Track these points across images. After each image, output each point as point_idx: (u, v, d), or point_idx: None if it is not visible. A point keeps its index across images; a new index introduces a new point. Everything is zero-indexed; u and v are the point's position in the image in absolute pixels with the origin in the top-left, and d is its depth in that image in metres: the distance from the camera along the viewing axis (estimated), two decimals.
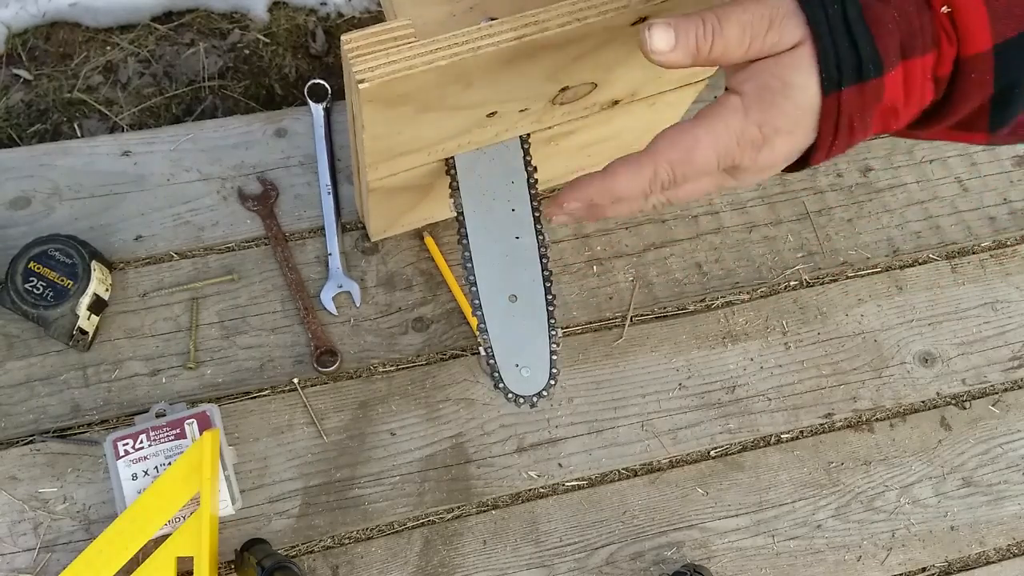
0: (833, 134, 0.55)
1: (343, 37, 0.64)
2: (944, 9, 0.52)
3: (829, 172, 1.10)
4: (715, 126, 0.56)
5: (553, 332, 0.84)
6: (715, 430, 0.97)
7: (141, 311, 0.97)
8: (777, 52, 0.54)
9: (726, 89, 0.57)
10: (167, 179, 1.02)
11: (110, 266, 0.97)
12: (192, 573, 0.83)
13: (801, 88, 0.54)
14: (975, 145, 0.75)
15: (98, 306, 0.93)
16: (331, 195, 1.02)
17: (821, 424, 0.99)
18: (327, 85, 1.07)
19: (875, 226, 1.08)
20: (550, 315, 0.84)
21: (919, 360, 1.02)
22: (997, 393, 1.02)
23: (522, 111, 0.79)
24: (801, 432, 0.98)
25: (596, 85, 0.79)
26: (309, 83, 1.07)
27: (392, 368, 0.97)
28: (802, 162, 0.58)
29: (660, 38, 0.55)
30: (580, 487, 0.95)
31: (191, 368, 0.95)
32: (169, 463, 0.86)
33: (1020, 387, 1.02)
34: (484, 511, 0.93)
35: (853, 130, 0.54)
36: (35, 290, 0.90)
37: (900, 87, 0.53)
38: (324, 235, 1.01)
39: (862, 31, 0.52)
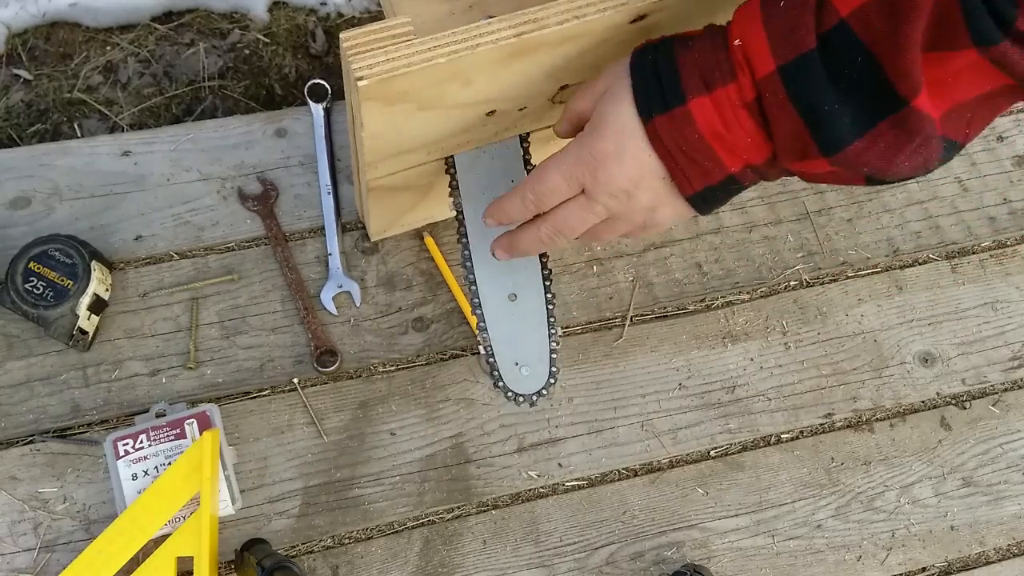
0: (673, 159, 0.66)
1: (342, 35, 0.64)
2: (736, 42, 0.62)
3: None
4: (560, 155, 0.71)
5: (553, 331, 0.84)
6: (715, 430, 0.97)
7: (141, 311, 0.97)
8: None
9: None
10: (167, 179, 1.03)
11: (110, 266, 0.97)
12: (192, 573, 0.83)
13: (615, 115, 0.67)
14: (853, 186, 0.88)
15: (98, 306, 0.93)
16: (331, 195, 1.02)
17: (821, 424, 0.99)
18: (327, 85, 1.07)
19: (875, 226, 1.08)
20: (550, 314, 0.84)
21: (919, 360, 1.02)
22: (997, 393, 1.02)
23: (521, 110, 0.79)
24: (801, 432, 0.98)
25: None
26: (309, 83, 1.07)
27: (392, 368, 0.97)
28: (695, 200, 0.70)
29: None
30: (580, 487, 0.94)
31: (191, 368, 0.95)
32: (169, 463, 0.86)
33: (1020, 387, 1.02)
34: (484, 511, 0.93)
35: (692, 158, 0.66)
36: (35, 290, 0.90)
37: (713, 114, 0.64)
38: (324, 235, 1.01)
39: (668, 70, 0.65)
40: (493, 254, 0.81)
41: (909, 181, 1.08)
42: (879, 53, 0.57)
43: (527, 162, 0.86)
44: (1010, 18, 0.53)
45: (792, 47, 0.60)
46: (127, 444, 0.86)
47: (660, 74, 0.65)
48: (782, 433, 0.98)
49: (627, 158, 0.67)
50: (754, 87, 0.62)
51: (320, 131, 1.05)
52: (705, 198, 0.70)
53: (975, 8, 0.53)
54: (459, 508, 0.93)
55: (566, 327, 1.00)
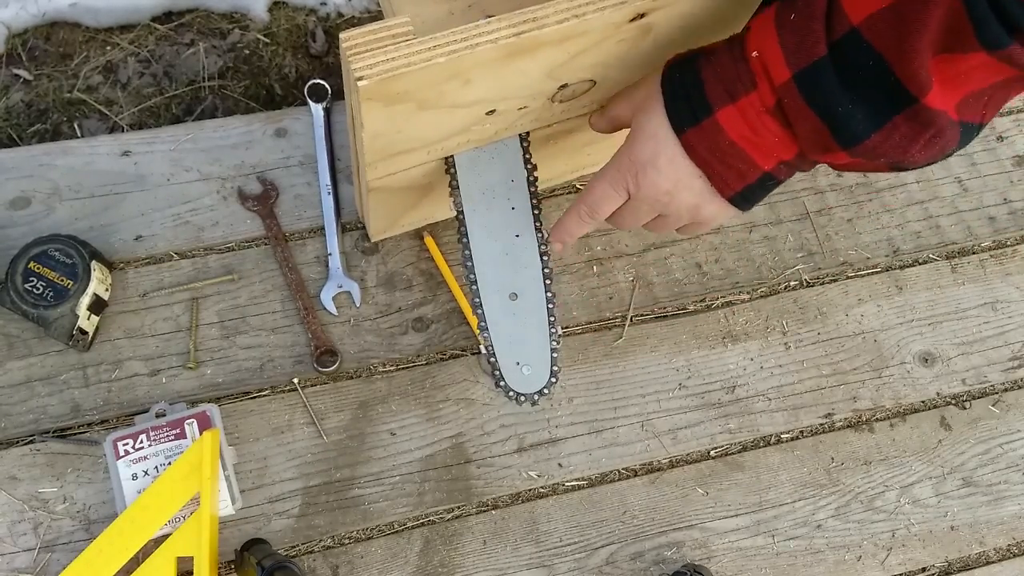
0: (710, 166, 0.72)
1: (342, 35, 0.64)
2: (754, 54, 0.67)
3: (829, 172, 1.10)
4: (604, 167, 0.78)
5: (553, 330, 0.84)
6: (715, 430, 0.97)
7: (141, 311, 0.97)
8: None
9: None
10: (167, 179, 1.03)
11: (110, 266, 0.97)
12: (192, 573, 0.83)
13: (651, 126, 0.73)
14: (879, 173, 0.94)
15: (98, 306, 0.93)
16: (331, 195, 1.02)
17: (821, 424, 0.99)
18: (327, 85, 1.07)
19: (875, 226, 1.08)
20: (550, 313, 0.84)
21: (919, 360, 1.02)
22: (997, 393, 1.02)
23: (521, 109, 0.79)
24: (801, 432, 0.98)
25: (595, 83, 0.80)
26: (309, 83, 1.07)
27: (392, 368, 0.97)
28: (735, 200, 0.74)
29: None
30: (580, 487, 0.94)
31: (191, 368, 0.95)
32: (169, 463, 0.86)
33: (1020, 387, 1.02)
34: (484, 511, 0.93)
35: (727, 163, 0.71)
36: (35, 290, 0.90)
37: (740, 121, 0.68)
38: (324, 235, 1.01)
39: (694, 85, 0.70)
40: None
41: (910, 181, 1.10)
42: (890, 58, 0.60)
43: (527, 161, 0.86)
44: (1021, 23, 0.55)
45: (805, 55, 0.64)
46: (127, 444, 0.86)
47: (688, 89, 0.70)
48: (782, 433, 0.98)
49: (663, 163, 0.73)
50: (774, 93, 0.66)
51: (320, 131, 1.05)
52: (745, 197, 0.74)
53: (984, 17, 0.56)
54: (459, 508, 0.93)
55: (566, 327, 1.00)
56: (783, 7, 0.65)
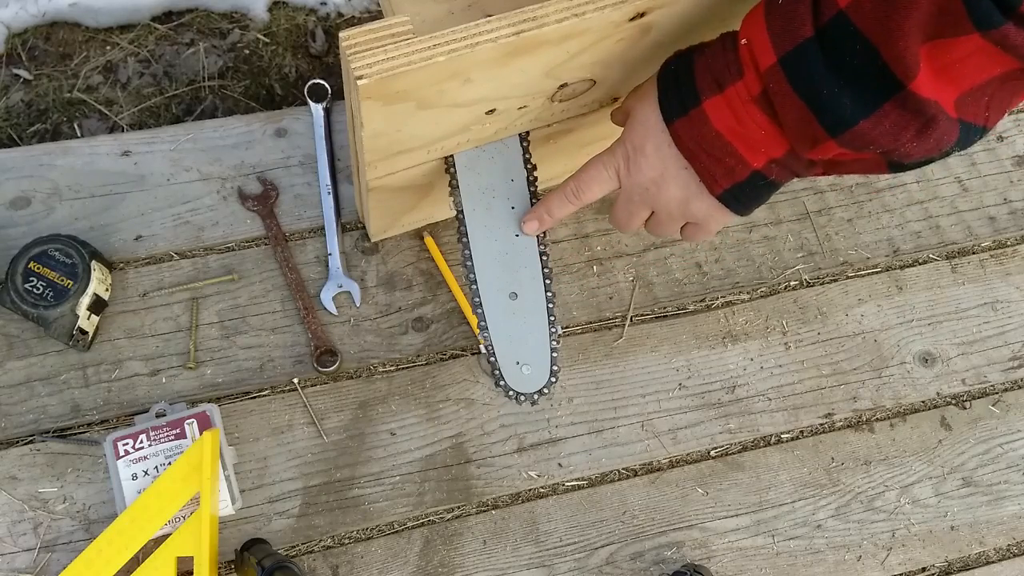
0: (698, 159, 0.71)
1: (341, 34, 0.64)
2: (743, 42, 0.67)
3: None
4: (603, 151, 0.79)
5: (553, 329, 0.84)
6: (715, 430, 0.97)
7: (141, 311, 0.97)
8: None
9: None
10: (167, 179, 1.03)
11: (110, 266, 0.97)
12: (192, 573, 0.83)
13: (643, 114, 0.74)
14: (878, 174, 0.89)
15: (98, 306, 0.93)
16: (331, 195, 1.02)
17: (821, 424, 0.99)
18: (327, 85, 1.07)
19: (875, 226, 1.08)
20: (550, 312, 0.84)
21: (919, 360, 1.02)
22: (997, 393, 1.02)
23: (521, 108, 0.79)
24: (801, 432, 0.98)
25: (595, 82, 0.80)
26: (309, 83, 1.07)
27: (392, 368, 0.97)
28: (725, 198, 0.74)
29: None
30: (580, 487, 0.94)
31: (191, 368, 0.95)
32: (169, 463, 0.86)
33: (1020, 387, 1.02)
34: (484, 511, 0.93)
35: (715, 156, 0.70)
36: (35, 290, 0.90)
37: (726, 111, 0.68)
38: (324, 235, 1.01)
39: (686, 75, 0.70)
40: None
41: (910, 181, 1.09)
42: (875, 40, 0.60)
43: (527, 161, 0.86)
44: (1014, 2, 0.54)
45: (790, 38, 0.63)
46: (127, 444, 0.86)
47: (680, 80, 0.71)
48: (782, 433, 0.98)
49: (651, 150, 0.74)
50: (760, 80, 0.66)
51: (320, 131, 1.05)
52: (736, 196, 0.73)
53: None
54: (459, 508, 0.93)
55: (566, 327, 1.00)
56: None
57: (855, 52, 0.61)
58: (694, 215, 0.77)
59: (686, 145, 0.71)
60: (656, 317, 1.02)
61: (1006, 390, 1.02)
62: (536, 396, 0.83)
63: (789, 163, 0.70)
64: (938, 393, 1.01)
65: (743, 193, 0.73)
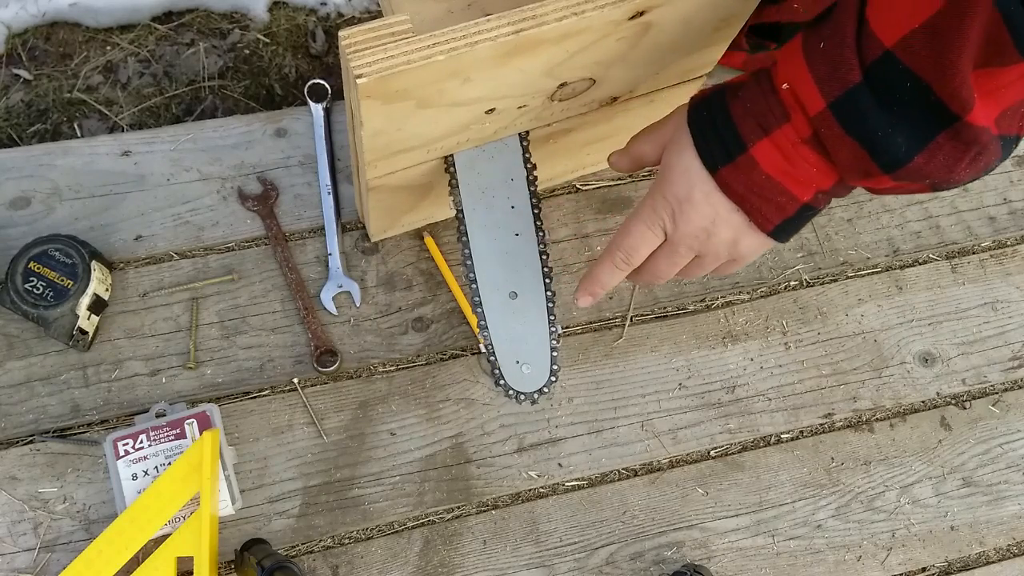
0: (747, 202, 0.70)
1: (341, 33, 0.64)
2: (784, 86, 0.66)
3: None
4: (637, 209, 0.75)
5: (553, 329, 0.84)
6: (715, 430, 0.97)
7: (141, 311, 0.97)
8: None
9: None
10: (167, 179, 1.03)
11: (110, 266, 0.97)
12: (192, 573, 0.83)
13: (682, 163, 0.71)
14: (920, 194, 0.88)
15: (98, 306, 0.93)
16: (331, 195, 1.02)
17: (821, 424, 0.99)
18: (327, 85, 1.07)
19: (875, 226, 1.08)
20: (550, 312, 0.84)
21: (919, 360, 1.02)
22: (997, 393, 1.02)
23: (520, 108, 0.79)
24: (801, 432, 0.98)
25: (594, 81, 0.79)
26: (309, 83, 1.07)
27: (392, 368, 0.97)
28: (775, 233, 0.72)
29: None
30: (580, 487, 0.94)
31: (191, 368, 0.95)
32: (169, 463, 0.86)
33: (1020, 387, 1.02)
34: (484, 511, 0.93)
35: (765, 197, 0.69)
36: (35, 290, 0.90)
37: (776, 154, 0.67)
38: (324, 235, 1.01)
39: (724, 122, 0.68)
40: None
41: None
42: (928, 78, 0.59)
43: (527, 160, 0.86)
44: None
45: (839, 84, 0.62)
46: (127, 444, 0.86)
47: (718, 127, 0.69)
48: (782, 433, 0.98)
49: (700, 199, 0.71)
50: (809, 124, 0.65)
51: (320, 131, 1.05)
52: (784, 229, 0.72)
53: (1021, 26, 0.54)
54: (459, 508, 0.92)
55: (566, 327, 1.00)
56: (810, 35, 0.64)
57: (905, 90, 0.60)
58: (740, 252, 0.76)
59: (735, 191, 0.70)
60: (656, 317, 1.02)
61: (1006, 390, 1.02)
62: (536, 395, 0.83)
63: (836, 190, 0.70)
64: (938, 393, 1.01)
65: (791, 225, 0.72)
